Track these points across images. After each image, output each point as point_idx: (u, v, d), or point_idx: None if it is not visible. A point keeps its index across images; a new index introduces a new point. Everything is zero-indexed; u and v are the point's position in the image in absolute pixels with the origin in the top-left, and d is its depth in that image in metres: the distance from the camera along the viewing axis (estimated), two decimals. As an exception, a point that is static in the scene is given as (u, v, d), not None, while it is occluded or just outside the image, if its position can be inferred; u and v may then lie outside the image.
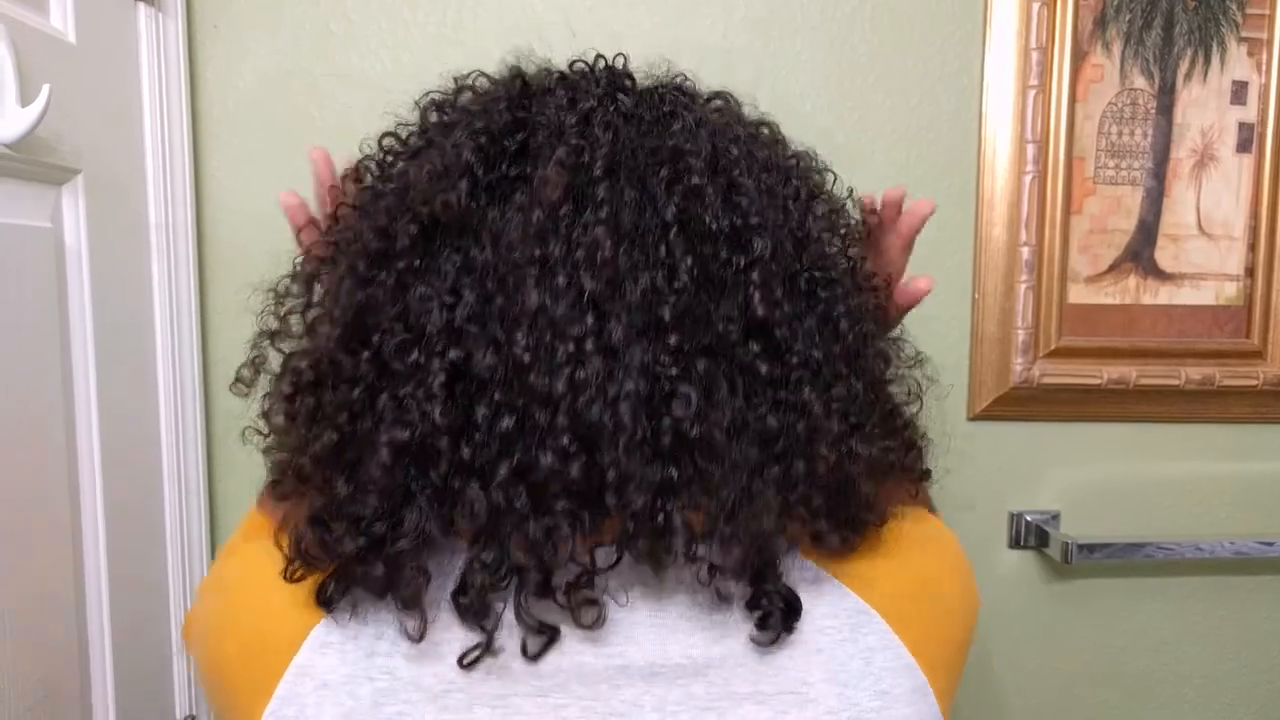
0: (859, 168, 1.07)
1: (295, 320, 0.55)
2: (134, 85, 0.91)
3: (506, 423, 0.46)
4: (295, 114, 1.02)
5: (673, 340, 0.46)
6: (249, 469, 0.93)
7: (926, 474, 0.59)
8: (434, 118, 0.55)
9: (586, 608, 0.48)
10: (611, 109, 0.52)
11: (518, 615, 0.47)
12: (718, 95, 0.58)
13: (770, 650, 0.49)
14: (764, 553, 0.48)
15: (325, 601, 0.49)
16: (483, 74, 0.58)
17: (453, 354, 0.47)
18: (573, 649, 0.48)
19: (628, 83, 0.55)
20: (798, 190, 0.56)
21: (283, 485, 0.52)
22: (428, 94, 0.57)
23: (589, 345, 0.46)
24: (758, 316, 0.48)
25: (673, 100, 0.55)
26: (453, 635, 0.48)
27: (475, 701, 0.47)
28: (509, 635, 0.48)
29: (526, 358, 0.46)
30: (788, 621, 0.49)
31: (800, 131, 1.09)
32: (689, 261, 0.48)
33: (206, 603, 0.56)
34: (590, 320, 0.46)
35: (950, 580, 0.55)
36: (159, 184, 0.93)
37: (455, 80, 0.57)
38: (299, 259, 0.58)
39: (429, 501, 0.47)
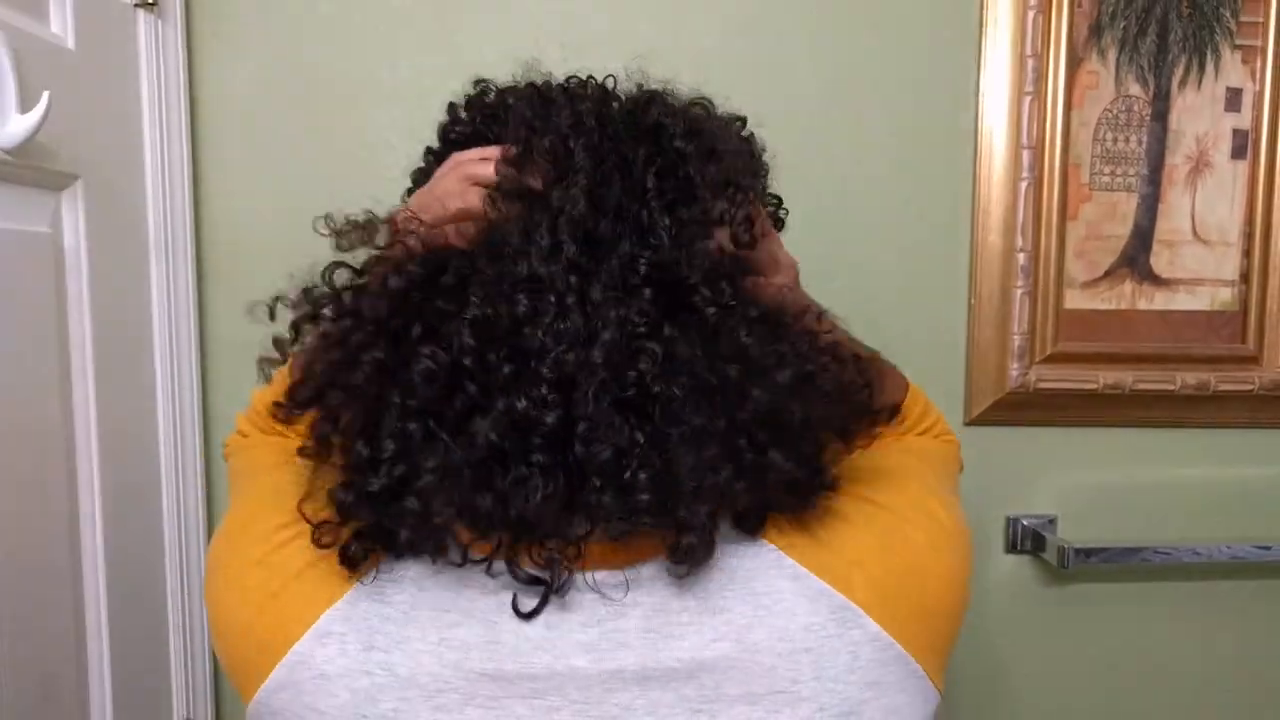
0: (855, 174, 1.07)
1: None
2: (133, 91, 0.91)
3: (506, 369, 0.48)
4: (293, 119, 1.02)
5: (647, 295, 0.49)
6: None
7: (893, 410, 0.61)
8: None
9: (558, 569, 0.48)
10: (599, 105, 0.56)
11: (511, 571, 0.48)
12: (697, 101, 0.61)
13: (760, 650, 0.49)
14: (720, 510, 0.49)
15: (349, 560, 0.49)
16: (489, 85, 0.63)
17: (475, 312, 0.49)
18: (566, 652, 0.49)
19: (615, 104, 0.58)
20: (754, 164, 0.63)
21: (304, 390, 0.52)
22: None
23: (570, 300, 0.48)
24: (733, 260, 0.52)
25: (651, 95, 0.58)
26: (452, 636, 0.49)
27: (469, 702, 0.48)
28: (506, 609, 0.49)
29: (521, 311, 0.48)
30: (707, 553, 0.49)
31: (797, 137, 1.09)
32: (666, 221, 0.50)
33: (217, 552, 0.56)
34: (574, 280, 0.49)
35: (934, 559, 0.54)
36: (158, 189, 0.94)
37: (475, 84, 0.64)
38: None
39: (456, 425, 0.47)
